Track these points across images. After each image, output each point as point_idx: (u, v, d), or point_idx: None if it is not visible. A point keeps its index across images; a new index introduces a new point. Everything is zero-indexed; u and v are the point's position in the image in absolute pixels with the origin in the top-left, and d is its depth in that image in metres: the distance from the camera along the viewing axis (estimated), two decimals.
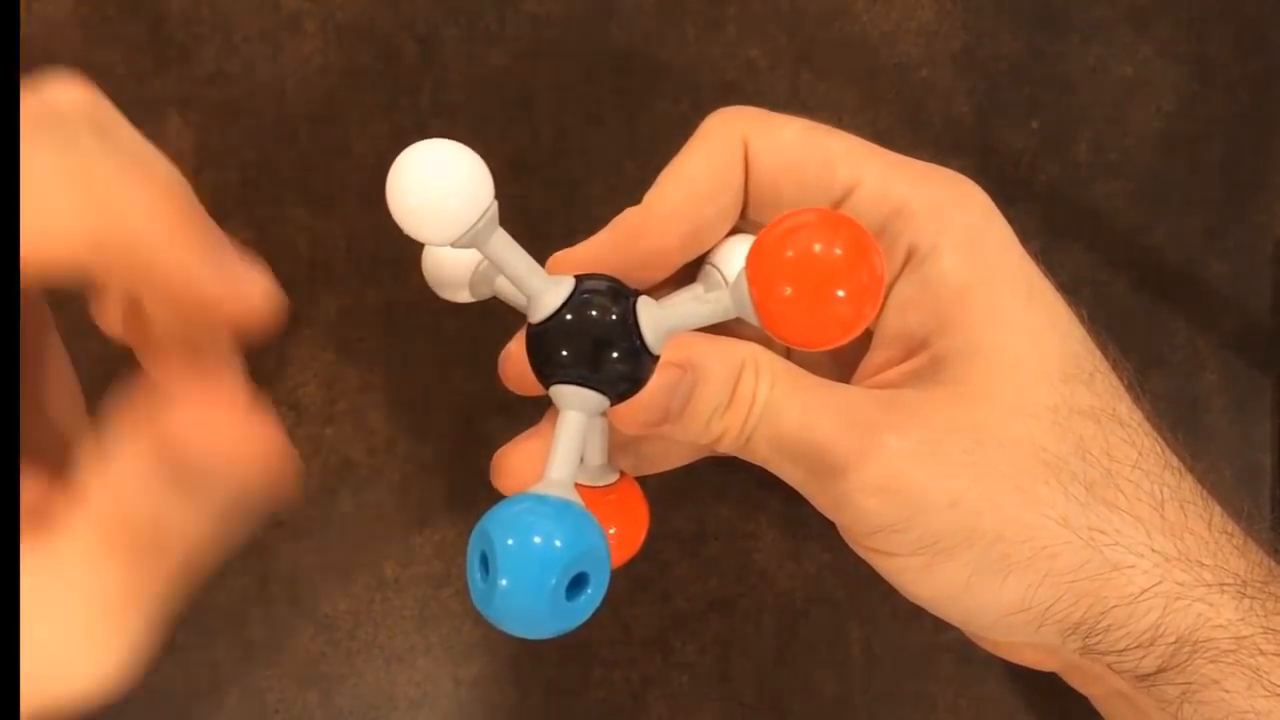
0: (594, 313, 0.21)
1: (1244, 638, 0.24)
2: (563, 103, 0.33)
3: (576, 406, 0.21)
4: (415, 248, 0.24)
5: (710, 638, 0.35)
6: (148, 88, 0.32)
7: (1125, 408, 0.26)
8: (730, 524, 0.35)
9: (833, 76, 0.34)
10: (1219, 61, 0.36)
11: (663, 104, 0.34)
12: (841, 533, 0.26)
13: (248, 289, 0.19)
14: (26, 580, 0.17)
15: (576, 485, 0.25)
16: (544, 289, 0.21)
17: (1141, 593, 0.24)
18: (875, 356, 0.27)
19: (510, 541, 0.18)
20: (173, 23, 0.32)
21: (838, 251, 0.19)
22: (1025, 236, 0.26)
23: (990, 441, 0.24)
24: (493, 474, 0.26)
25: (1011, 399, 0.25)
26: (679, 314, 0.22)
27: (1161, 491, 0.25)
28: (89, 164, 0.17)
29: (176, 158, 0.20)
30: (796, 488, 0.25)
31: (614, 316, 0.21)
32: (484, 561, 0.19)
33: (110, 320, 0.21)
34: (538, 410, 0.26)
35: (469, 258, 0.25)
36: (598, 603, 0.19)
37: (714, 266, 0.27)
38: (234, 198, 0.32)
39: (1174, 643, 0.24)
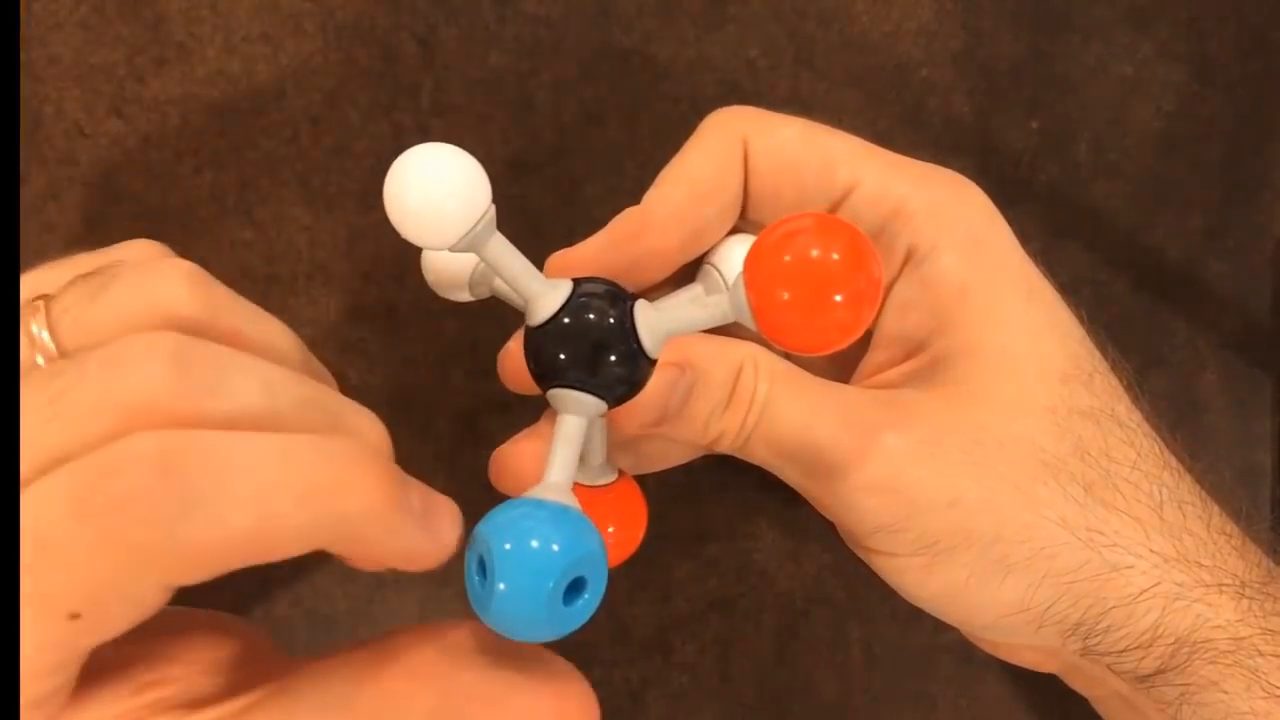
0: (591, 316, 0.21)
1: (1242, 639, 0.24)
2: (563, 103, 0.33)
3: (574, 410, 0.21)
4: (415, 248, 0.24)
5: (710, 638, 0.35)
6: (148, 88, 0.32)
7: (1124, 408, 0.26)
8: (730, 524, 0.35)
9: (833, 76, 0.34)
10: (1219, 61, 0.36)
11: (663, 104, 0.34)
12: (841, 533, 0.26)
13: (441, 528, 0.19)
14: None
15: (575, 485, 0.25)
16: (541, 292, 0.21)
17: (1140, 593, 0.24)
18: (874, 357, 0.27)
19: (507, 546, 0.18)
20: (173, 23, 0.32)
21: (835, 256, 0.19)
22: (1025, 237, 0.26)
23: (989, 441, 0.24)
24: (492, 473, 0.26)
25: (1011, 399, 0.25)
26: (677, 318, 0.22)
27: (1160, 492, 0.25)
28: (302, 449, 0.17)
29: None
30: (795, 488, 0.25)
31: (611, 320, 0.21)
32: (482, 566, 0.19)
33: None
34: (537, 410, 0.26)
35: (468, 258, 0.25)
36: (595, 607, 0.19)
37: (713, 266, 0.27)
38: (234, 198, 0.32)
39: (1173, 644, 0.24)
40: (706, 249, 0.27)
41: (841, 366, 0.28)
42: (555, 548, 0.18)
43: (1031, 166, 0.35)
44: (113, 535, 0.16)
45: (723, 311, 0.21)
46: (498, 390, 0.27)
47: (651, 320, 0.21)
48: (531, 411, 0.26)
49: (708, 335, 0.24)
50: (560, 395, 0.21)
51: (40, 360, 0.18)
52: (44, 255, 0.21)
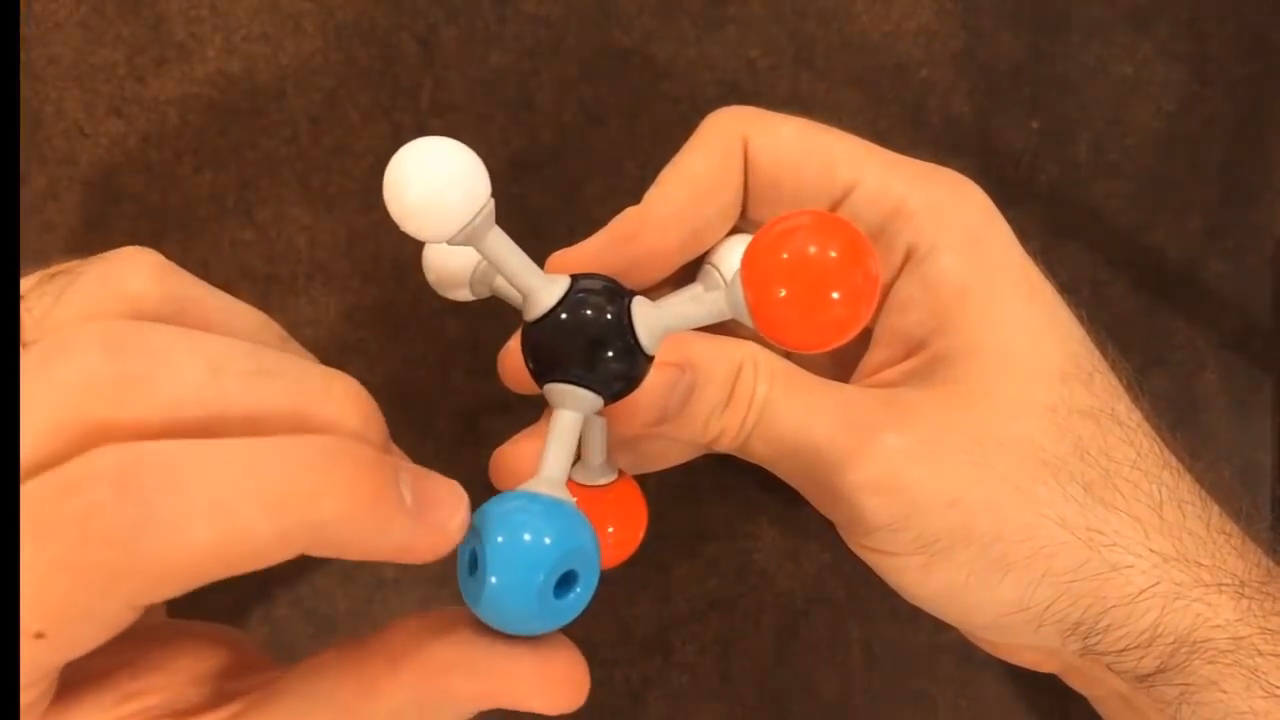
0: (589, 312, 0.21)
1: (1242, 638, 0.24)
2: (563, 103, 0.33)
3: (570, 405, 0.21)
4: (415, 248, 0.24)
5: (710, 638, 0.35)
6: (148, 88, 0.32)
7: (1124, 407, 0.26)
8: (730, 524, 0.35)
9: (833, 76, 0.34)
10: (1219, 61, 0.36)
11: (663, 104, 0.34)
12: (840, 532, 0.26)
13: (439, 517, 0.18)
14: None
15: (575, 484, 0.25)
16: (539, 288, 0.21)
17: (1140, 593, 0.24)
18: (874, 356, 0.27)
19: (500, 539, 0.18)
20: (173, 23, 0.32)
21: (832, 254, 0.19)
22: (1025, 236, 0.26)
23: (989, 441, 0.24)
24: (491, 473, 0.26)
25: (1010, 398, 0.25)
26: (674, 314, 0.22)
27: (1160, 492, 0.25)
28: (267, 455, 0.16)
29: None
30: (795, 487, 0.25)
31: (609, 316, 0.21)
32: (474, 558, 0.19)
33: None
34: (538, 410, 0.26)
35: (469, 256, 0.25)
36: (587, 601, 0.19)
37: (713, 266, 0.27)
38: (234, 198, 0.32)
39: (1172, 643, 0.24)
40: (707, 249, 0.27)
41: (841, 365, 0.28)
42: (547, 541, 0.18)
43: (1031, 166, 0.35)
44: (72, 554, 0.15)
45: (720, 308, 0.21)
46: (498, 390, 0.27)
47: (649, 316, 0.21)
48: (532, 411, 0.26)
49: (707, 335, 0.24)
50: (557, 390, 0.21)
51: None
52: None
